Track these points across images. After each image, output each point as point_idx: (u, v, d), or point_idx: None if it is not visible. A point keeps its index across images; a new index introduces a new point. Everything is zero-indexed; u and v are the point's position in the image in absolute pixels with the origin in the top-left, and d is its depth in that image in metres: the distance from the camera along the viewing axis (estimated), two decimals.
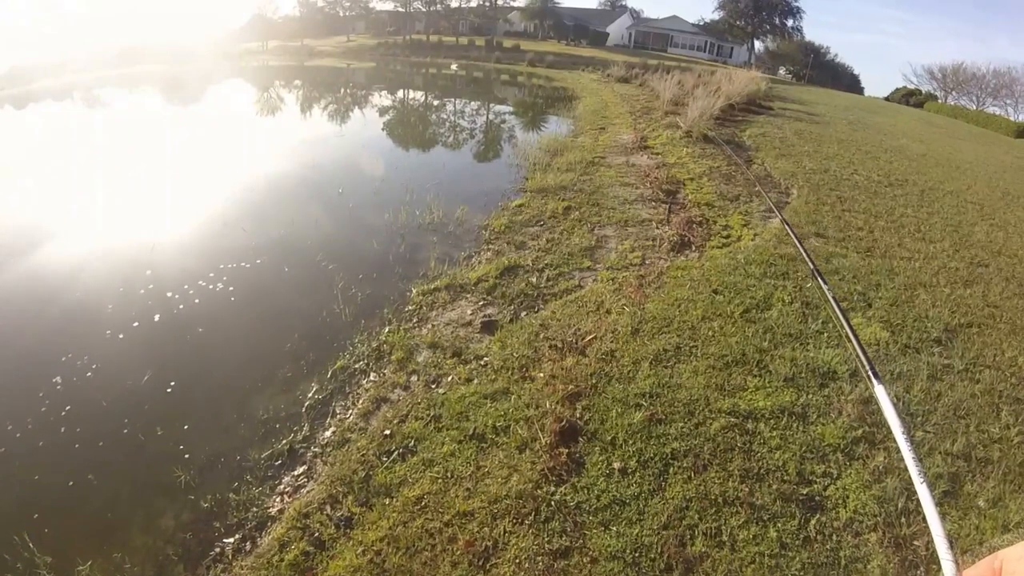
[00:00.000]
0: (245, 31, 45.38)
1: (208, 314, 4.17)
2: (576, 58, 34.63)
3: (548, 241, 5.36)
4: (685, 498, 2.33)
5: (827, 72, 46.83)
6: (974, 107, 36.61)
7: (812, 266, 3.89)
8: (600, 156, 8.90)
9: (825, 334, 3.64)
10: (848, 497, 2.37)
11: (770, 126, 12.57)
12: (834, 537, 2.20)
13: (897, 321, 3.92)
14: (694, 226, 5.76)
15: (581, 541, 2.16)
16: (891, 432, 2.20)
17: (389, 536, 2.23)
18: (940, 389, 3.17)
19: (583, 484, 2.41)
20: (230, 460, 2.82)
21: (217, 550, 2.34)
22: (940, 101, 38.19)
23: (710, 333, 3.61)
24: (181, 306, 4.23)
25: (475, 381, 3.21)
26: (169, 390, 3.33)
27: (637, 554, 2.10)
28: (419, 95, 21.94)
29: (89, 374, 3.44)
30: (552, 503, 2.32)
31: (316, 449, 2.84)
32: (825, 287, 3.65)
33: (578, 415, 2.83)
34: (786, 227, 5.15)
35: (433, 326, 3.92)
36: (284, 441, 2.89)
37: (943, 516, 1.78)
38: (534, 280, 4.52)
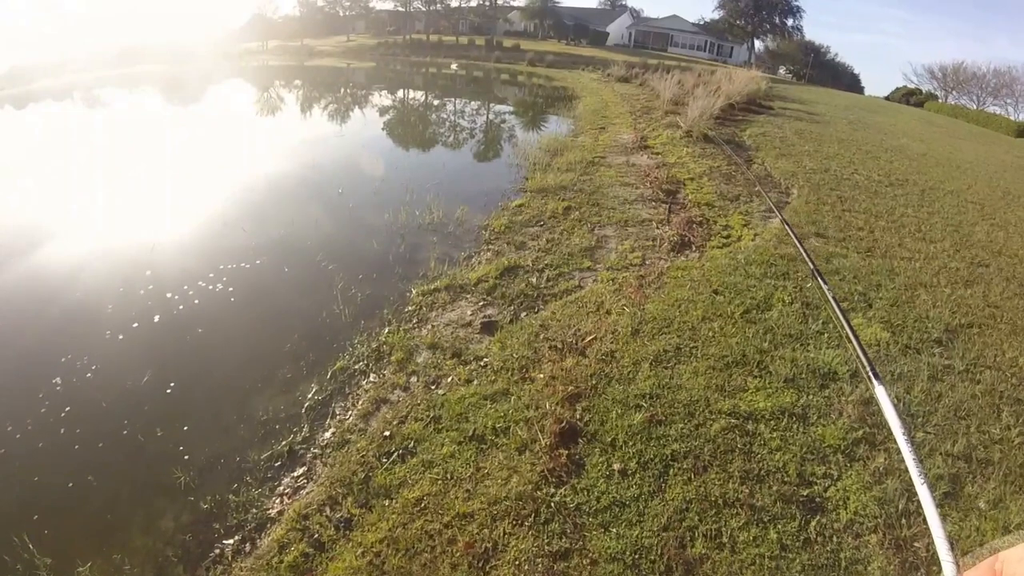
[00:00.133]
0: (245, 31, 45.38)
1: (208, 315, 4.17)
2: (576, 58, 34.61)
3: (548, 241, 5.35)
4: (685, 500, 2.33)
5: (827, 71, 46.80)
6: (974, 106, 36.59)
7: (812, 266, 3.89)
8: (600, 156, 8.90)
9: (825, 335, 3.63)
10: (849, 498, 2.36)
11: (770, 126, 12.56)
12: (834, 539, 2.19)
13: (898, 321, 3.91)
14: (694, 226, 5.75)
15: (581, 543, 2.16)
16: (892, 433, 2.20)
17: (389, 538, 2.23)
18: (941, 390, 3.17)
19: (583, 485, 2.41)
20: (230, 461, 2.82)
21: (217, 551, 2.34)
22: (940, 100, 38.15)
23: (710, 334, 3.60)
24: (181, 307, 4.23)
25: (475, 382, 3.20)
26: (169, 391, 3.33)
27: (637, 556, 2.10)
28: (419, 95, 21.93)
29: (89, 375, 3.44)
30: (552, 504, 2.32)
31: (316, 450, 2.84)
32: (825, 287, 3.65)
33: (578, 416, 2.83)
34: (786, 227, 5.14)
35: (433, 327, 3.91)
36: (284, 442, 2.89)
37: (944, 517, 1.78)
38: (534, 280, 4.51)
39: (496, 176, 8.52)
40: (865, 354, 2.69)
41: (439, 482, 2.48)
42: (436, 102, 19.73)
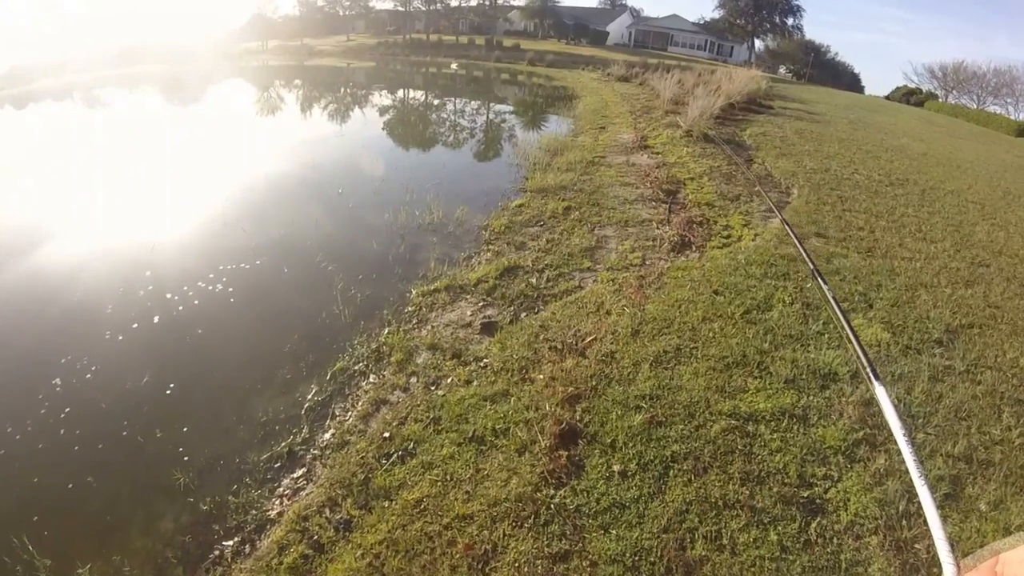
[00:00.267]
0: (245, 31, 45.36)
1: (208, 315, 4.17)
2: (576, 57, 34.58)
3: (548, 241, 5.35)
4: (685, 501, 2.33)
5: (827, 71, 46.76)
6: (975, 106, 36.55)
7: (812, 266, 3.89)
8: (600, 155, 8.89)
9: (826, 335, 3.63)
10: (849, 500, 2.36)
11: (770, 125, 12.55)
12: (835, 540, 2.19)
13: (898, 322, 3.91)
14: (694, 226, 5.75)
15: (580, 544, 2.16)
16: (892, 434, 2.20)
17: (388, 539, 2.22)
18: (941, 390, 3.16)
19: (583, 487, 2.40)
20: (229, 462, 2.82)
21: (216, 553, 2.34)
22: (941, 100, 38.13)
23: (710, 334, 3.60)
24: (180, 307, 4.23)
25: (475, 383, 3.20)
26: (168, 392, 3.32)
27: (637, 558, 2.09)
28: (419, 94, 21.92)
29: (88, 375, 3.44)
30: (551, 506, 2.32)
31: (315, 451, 2.84)
32: (825, 287, 3.64)
33: (578, 417, 2.82)
34: (786, 227, 5.14)
35: (433, 327, 3.91)
36: (283, 443, 2.89)
37: (944, 519, 1.77)
38: (534, 281, 4.51)
39: (496, 176, 8.52)
40: (865, 355, 2.69)
41: (439, 483, 2.48)
42: (436, 102, 19.71)
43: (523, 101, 19.98)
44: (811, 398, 3.00)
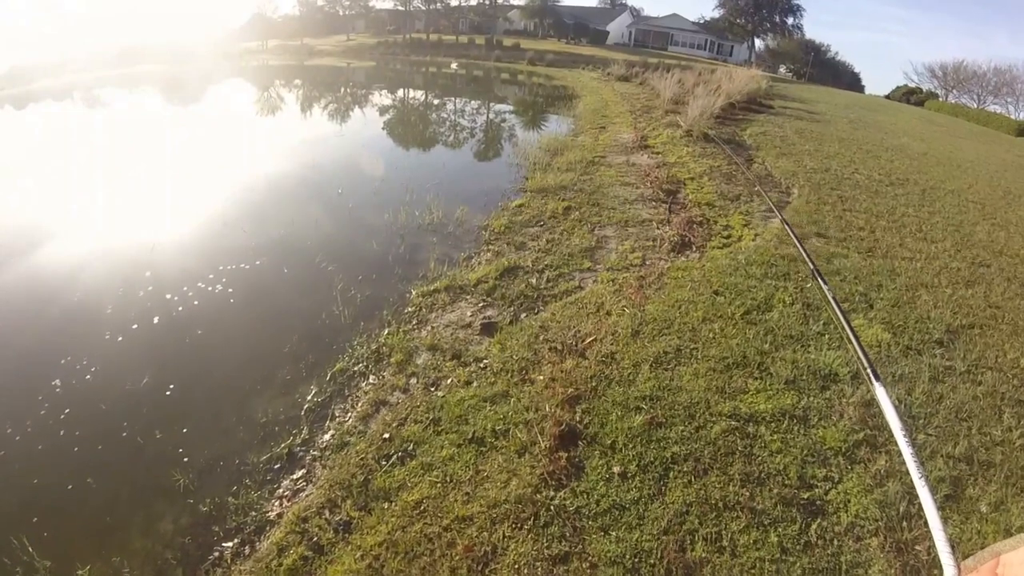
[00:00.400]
0: (245, 30, 45.36)
1: (207, 316, 4.16)
2: (576, 56, 34.57)
3: (548, 242, 5.34)
4: (685, 503, 2.32)
5: (828, 70, 46.74)
6: (975, 105, 36.52)
7: (812, 267, 3.88)
8: (600, 155, 8.88)
9: (826, 336, 3.62)
10: (849, 501, 2.36)
11: (771, 125, 12.54)
12: (835, 542, 2.19)
13: (899, 322, 3.90)
14: (695, 226, 5.74)
15: (580, 546, 2.15)
16: (892, 435, 2.20)
17: (388, 541, 2.22)
18: (942, 391, 3.16)
19: (583, 488, 2.40)
20: (229, 463, 2.81)
21: (216, 554, 2.34)
22: (941, 99, 38.10)
23: (711, 335, 3.59)
24: (180, 308, 4.23)
25: (474, 384, 3.19)
26: (168, 392, 3.32)
27: (637, 559, 2.09)
28: (419, 94, 21.91)
29: (88, 376, 3.43)
30: (551, 508, 2.31)
31: (315, 453, 2.83)
32: (825, 288, 3.64)
33: (578, 418, 2.82)
34: (786, 227, 5.13)
35: (432, 328, 3.91)
36: (283, 444, 2.88)
37: (945, 520, 1.77)
38: (534, 281, 4.50)
39: (496, 176, 8.51)
40: (866, 355, 2.69)
41: (438, 485, 2.47)
42: (436, 101, 19.71)
43: (523, 101, 19.97)
44: (811, 399, 3.00)
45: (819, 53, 48.50)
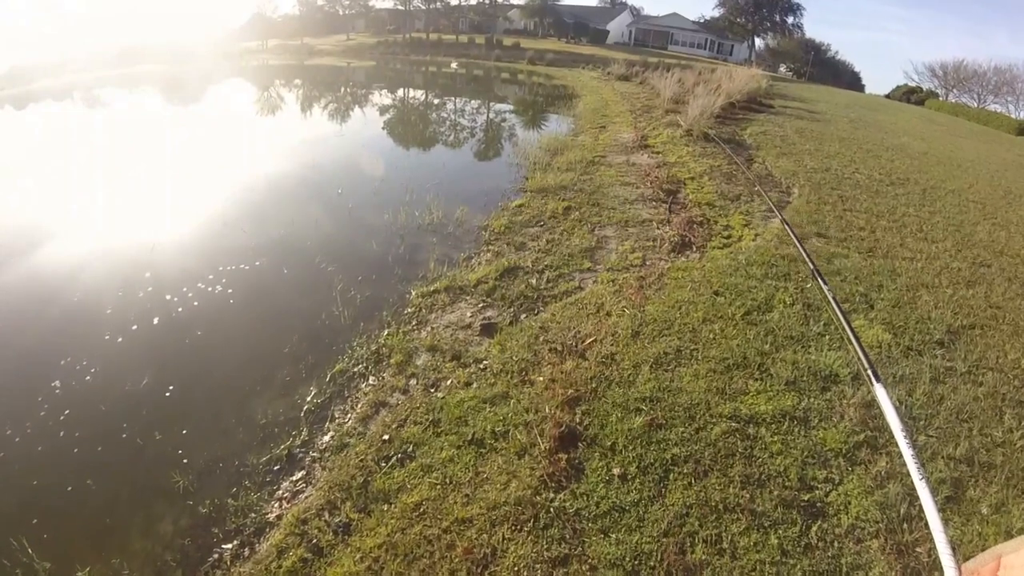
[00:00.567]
0: (245, 30, 45.37)
1: (207, 317, 4.16)
2: (576, 56, 34.55)
3: (548, 242, 5.34)
4: (685, 505, 2.32)
5: (828, 69, 46.73)
6: (975, 105, 36.51)
7: (812, 267, 3.88)
8: (600, 155, 8.88)
9: (827, 336, 3.62)
10: (850, 503, 2.35)
11: (771, 124, 12.53)
12: (835, 544, 2.18)
13: (899, 323, 3.90)
14: (695, 226, 5.73)
15: (580, 548, 2.15)
16: (893, 436, 2.19)
17: (387, 543, 2.22)
18: (943, 392, 3.15)
19: (582, 490, 2.40)
20: (228, 465, 2.81)
21: (215, 556, 2.33)
22: (941, 99, 38.08)
23: (711, 336, 3.59)
24: (180, 308, 4.22)
25: (474, 385, 3.19)
26: (168, 393, 3.32)
27: (637, 562, 2.09)
28: (419, 94, 21.90)
29: (88, 377, 3.43)
30: (551, 510, 2.31)
31: (315, 454, 2.83)
32: (826, 288, 3.63)
33: (578, 420, 2.82)
34: (786, 227, 5.13)
35: (432, 329, 3.90)
36: (283, 446, 2.88)
37: (946, 522, 1.77)
38: (534, 282, 4.50)
39: (496, 176, 8.50)
40: (866, 356, 2.68)
41: (438, 487, 2.47)
42: (436, 101, 19.70)
43: (523, 100, 19.96)
44: (812, 400, 2.99)
45: (819, 52, 48.49)
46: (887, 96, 42.63)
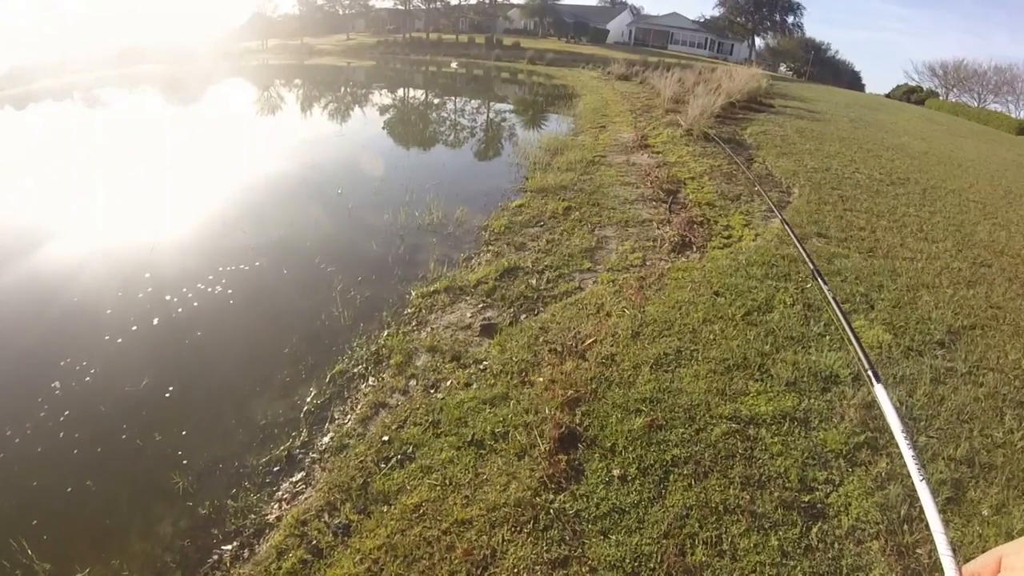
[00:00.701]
0: (245, 30, 45.39)
1: (207, 317, 4.16)
2: (576, 55, 34.53)
3: (548, 242, 5.33)
4: (685, 506, 2.31)
5: (828, 69, 46.71)
6: (975, 104, 36.49)
7: (812, 267, 3.87)
8: (600, 155, 8.87)
9: (827, 337, 3.61)
10: (850, 504, 2.35)
11: (771, 124, 12.52)
12: (836, 545, 2.18)
13: (900, 323, 3.89)
14: (695, 226, 5.73)
15: (580, 550, 2.14)
16: (893, 437, 2.19)
17: (387, 544, 2.21)
18: (943, 393, 3.15)
19: (582, 492, 2.39)
20: (228, 466, 2.81)
21: (215, 557, 2.33)
22: (941, 98, 38.05)
23: (711, 336, 3.58)
24: (180, 309, 4.22)
25: (474, 386, 3.19)
26: (167, 394, 3.32)
27: (636, 563, 2.08)
28: (419, 93, 21.89)
29: (88, 378, 3.43)
30: (551, 511, 2.30)
31: (314, 455, 2.83)
32: (826, 288, 3.62)
33: (577, 421, 2.81)
34: (786, 227, 5.12)
35: (432, 329, 3.90)
36: (282, 447, 2.88)
37: (946, 524, 1.76)
38: (534, 282, 4.49)
39: (496, 176, 8.50)
40: (867, 356, 2.67)
41: (438, 488, 2.46)
42: (436, 101, 19.69)
43: (523, 100, 19.95)
44: (812, 401, 2.99)
45: (819, 52, 48.47)
46: (887, 96, 42.64)
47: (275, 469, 2.77)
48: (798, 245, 4.40)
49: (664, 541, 2.17)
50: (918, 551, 2.15)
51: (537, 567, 2.08)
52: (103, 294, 4.38)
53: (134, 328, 3.93)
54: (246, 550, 2.34)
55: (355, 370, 3.49)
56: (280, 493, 2.62)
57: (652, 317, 3.82)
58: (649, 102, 15.29)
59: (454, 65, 32.83)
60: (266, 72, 27.52)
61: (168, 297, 4.34)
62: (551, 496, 2.38)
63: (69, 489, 2.66)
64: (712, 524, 2.24)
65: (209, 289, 4.52)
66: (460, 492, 2.43)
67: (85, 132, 12.65)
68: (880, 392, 2.33)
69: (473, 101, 19.55)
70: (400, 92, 22.19)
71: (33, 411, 3.12)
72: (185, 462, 2.81)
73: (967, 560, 0.65)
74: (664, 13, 51.93)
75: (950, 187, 8.42)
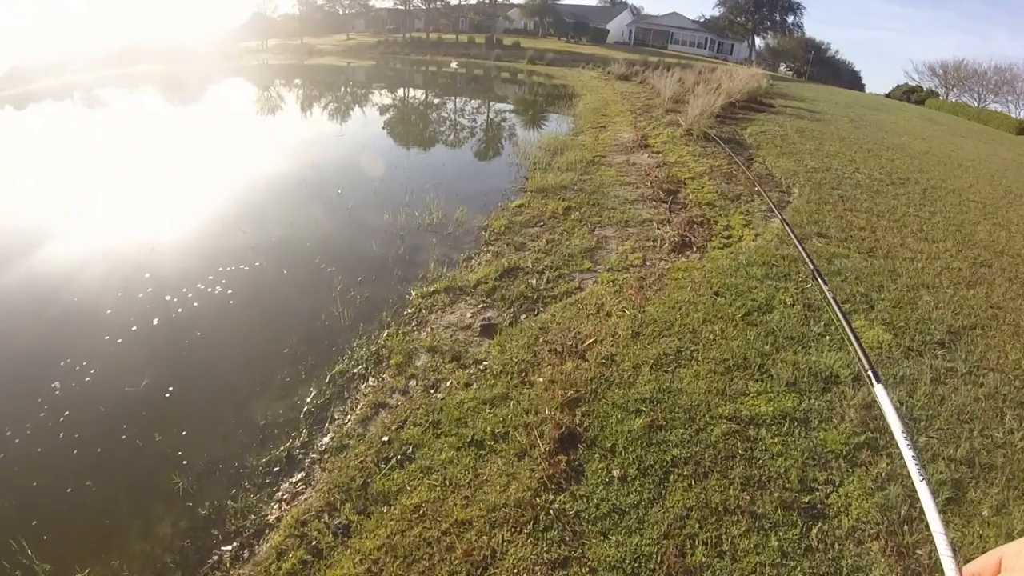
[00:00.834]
0: (245, 30, 45.40)
1: (206, 317, 4.16)
2: (576, 55, 34.52)
3: (548, 242, 5.33)
4: (685, 507, 2.31)
5: (828, 69, 46.68)
6: (975, 104, 36.48)
7: (813, 267, 3.86)
8: (600, 155, 8.87)
9: (827, 337, 3.61)
10: (850, 505, 2.35)
11: (771, 124, 12.51)
12: (836, 546, 2.18)
13: (900, 323, 3.89)
14: (695, 226, 5.73)
15: (580, 551, 2.14)
16: (893, 437, 2.18)
17: (387, 545, 2.21)
18: (943, 393, 3.15)
19: (582, 492, 2.39)
20: (228, 466, 2.81)
21: (215, 558, 2.33)
22: (941, 98, 38.05)
23: (711, 336, 3.58)
24: (180, 309, 4.22)
25: (474, 386, 3.18)
26: (167, 395, 3.31)
27: (636, 564, 2.08)
28: (419, 93, 21.89)
29: (87, 379, 3.43)
30: (551, 511, 2.30)
31: (314, 455, 2.82)
32: (826, 288, 3.62)
33: (577, 421, 2.81)
34: (787, 227, 5.12)
35: (432, 329, 3.90)
36: (282, 447, 2.88)
37: (947, 524, 1.76)
38: (534, 282, 4.49)
39: (496, 176, 8.50)
40: (867, 356, 2.67)
41: (438, 488, 2.46)
42: (436, 101, 19.68)
43: (523, 100, 19.94)
44: (812, 401, 2.98)
45: (819, 51, 48.43)
46: (887, 95, 42.64)
47: (275, 469, 2.77)
48: (798, 245, 4.40)
49: (664, 542, 2.17)
50: (918, 552, 2.15)
51: (537, 568, 2.08)
52: (103, 294, 4.38)
53: (134, 328, 3.93)
54: (246, 551, 2.34)
55: (355, 370, 3.49)
56: (280, 493, 2.62)
57: (652, 317, 3.82)
58: (649, 102, 15.28)
59: (454, 65, 32.83)
60: (266, 72, 27.52)
61: (168, 297, 4.34)
62: (551, 497, 2.38)
63: (69, 489, 2.66)
64: (712, 525, 2.24)
65: (209, 289, 4.52)
66: (460, 492, 2.43)
67: (85, 132, 12.65)
68: (880, 392, 2.33)
69: (473, 101, 19.55)
70: (400, 92, 22.19)
71: (33, 411, 3.12)
72: (185, 462, 2.81)
73: (967, 561, 0.65)
74: (664, 13, 51.98)
75: (950, 187, 8.42)
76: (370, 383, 3.37)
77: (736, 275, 4.46)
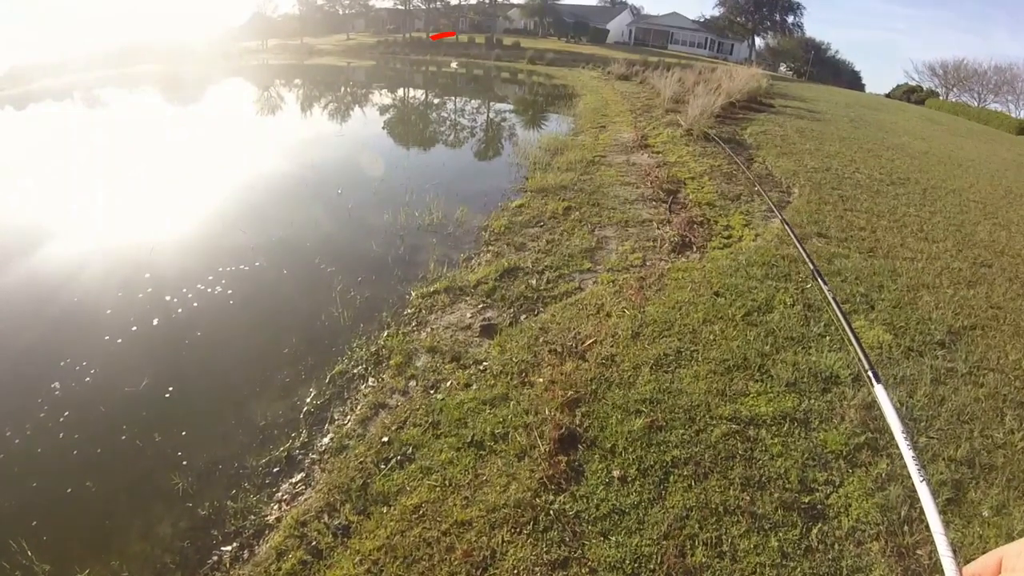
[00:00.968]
0: (245, 29, 45.40)
1: (206, 318, 4.16)
2: (576, 55, 34.52)
3: (548, 242, 5.33)
4: (685, 507, 2.31)
5: (828, 69, 46.68)
6: (976, 104, 36.47)
7: (813, 267, 3.86)
8: (600, 155, 8.87)
9: (827, 337, 3.61)
10: (850, 505, 2.34)
11: (771, 124, 12.51)
12: (836, 546, 2.18)
13: (900, 323, 3.89)
14: (695, 226, 5.72)
15: (580, 551, 2.14)
16: (894, 438, 2.18)
17: (387, 545, 2.21)
18: (944, 393, 3.15)
19: (582, 493, 2.39)
20: (228, 467, 2.81)
21: (215, 558, 2.33)
22: (941, 98, 38.04)
23: (711, 337, 3.58)
24: (180, 310, 4.22)
25: (474, 386, 3.18)
26: (167, 395, 3.31)
27: (636, 564, 2.08)
28: (419, 93, 21.88)
29: (87, 379, 3.43)
30: (551, 512, 2.30)
31: (314, 456, 2.82)
32: (826, 288, 3.62)
33: (577, 422, 2.81)
34: (787, 227, 5.12)
35: (432, 330, 3.90)
36: (282, 448, 2.87)
37: (947, 525, 1.76)
38: (534, 282, 4.49)
39: (496, 176, 8.50)
40: (867, 357, 2.67)
41: (437, 489, 2.46)
42: (436, 101, 19.68)
43: (523, 100, 19.94)
44: (812, 401, 2.98)
45: (819, 51, 48.44)
46: (887, 95, 42.64)
47: (275, 470, 2.77)
48: (798, 245, 4.40)
49: (664, 542, 2.16)
50: (918, 552, 2.15)
51: (537, 568, 2.08)
52: (103, 294, 4.38)
53: (134, 328, 3.93)
54: (246, 551, 2.34)
55: (355, 371, 3.49)
56: (280, 494, 2.62)
57: (652, 317, 3.82)
58: (649, 102, 15.28)
59: (454, 65, 32.83)
60: (266, 72, 27.52)
61: (168, 297, 4.34)
62: (551, 497, 2.37)
63: (69, 490, 2.66)
64: (712, 525, 2.24)
65: (209, 289, 4.52)
66: (460, 493, 2.43)
67: (85, 132, 12.65)
68: (880, 393, 2.33)
69: (473, 101, 19.55)
70: (400, 92, 22.19)
71: (33, 411, 3.12)
72: (185, 463, 2.81)
73: (967, 561, 0.65)
74: (664, 13, 51.96)
75: (950, 187, 8.42)
76: (370, 383, 3.37)
77: (736, 275, 4.46)
